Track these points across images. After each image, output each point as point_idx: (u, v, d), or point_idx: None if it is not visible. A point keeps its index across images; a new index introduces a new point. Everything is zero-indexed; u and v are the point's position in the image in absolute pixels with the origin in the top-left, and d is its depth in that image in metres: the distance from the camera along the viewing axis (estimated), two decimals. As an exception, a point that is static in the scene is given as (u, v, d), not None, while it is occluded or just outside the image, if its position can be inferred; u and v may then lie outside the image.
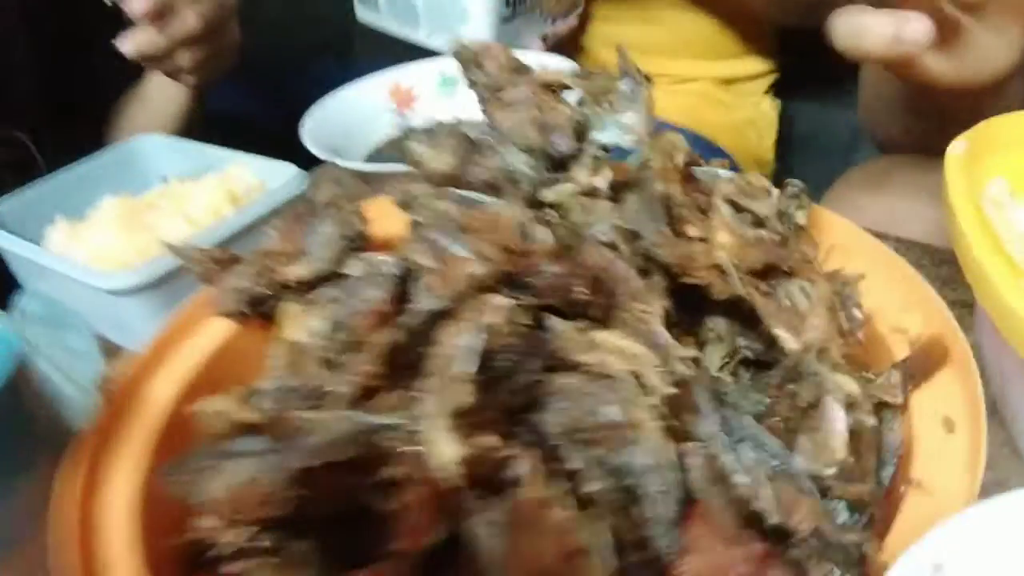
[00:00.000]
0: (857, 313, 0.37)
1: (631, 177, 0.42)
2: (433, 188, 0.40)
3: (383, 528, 0.32)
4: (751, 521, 0.31)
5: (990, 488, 0.34)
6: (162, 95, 0.85)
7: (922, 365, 0.38)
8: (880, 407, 0.36)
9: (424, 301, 0.37)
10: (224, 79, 0.89)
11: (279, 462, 0.29)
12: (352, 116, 0.77)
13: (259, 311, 0.45)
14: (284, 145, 0.76)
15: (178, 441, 0.42)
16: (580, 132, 0.44)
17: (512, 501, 0.28)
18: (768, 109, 1.27)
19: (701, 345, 0.42)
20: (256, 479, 0.29)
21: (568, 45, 1.12)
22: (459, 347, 0.31)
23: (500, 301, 0.35)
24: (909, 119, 0.71)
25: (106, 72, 0.87)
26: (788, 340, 0.35)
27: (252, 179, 0.65)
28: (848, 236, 0.45)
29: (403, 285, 0.40)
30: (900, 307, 0.41)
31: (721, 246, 0.36)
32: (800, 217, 0.44)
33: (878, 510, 0.34)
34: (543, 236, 0.35)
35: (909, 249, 0.59)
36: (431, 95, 0.81)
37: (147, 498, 0.39)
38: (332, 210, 0.47)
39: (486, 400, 0.31)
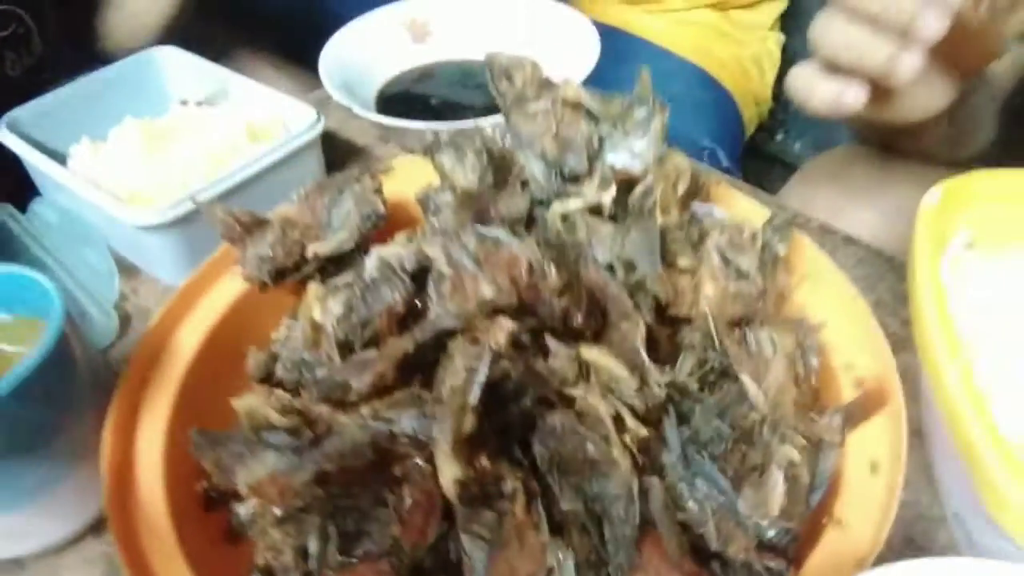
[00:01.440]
0: (813, 361, 0.42)
1: (635, 204, 0.46)
2: (455, 201, 0.44)
3: (383, 515, 0.38)
4: (695, 544, 0.37)
5: (902, 508, 0.40)
6: None
7: (862, 409, 0.43)
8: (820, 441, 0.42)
9: (437, 316, 0.41)
10: None
11: (301, 462, 0.35)
12: (367, 50, 0.78)
13: (279, 281, 0.49)
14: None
15: (201, 385, 0.48)
16: (594, 151, 0.48)
17: (497, 520, 0.34)
18: (773, 46, 1.28)
19: (678, 349, 0.47)
20: (279, 474, 0.34)
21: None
22: (468, 376, 0.36)
23: (507, 324, 0.39)
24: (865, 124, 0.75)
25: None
26: (751, 386, 0.40)
27: (270, 114, 0.67)
28: (818, 268, 0.50)
29: (418, 280, 0.45)
30: (856, 345, 0.47)
31: (706, 296, 0.41)
32: (781, 249, 0.48)
33: (803, 528, 0.41)
34: (552, 274, 0.40)
35: (861, 260, 0.63)
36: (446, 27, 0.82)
37: (172, 439, 0.45)
38: (354, 186, 0.51)
39: (486, 424, 0.36)
